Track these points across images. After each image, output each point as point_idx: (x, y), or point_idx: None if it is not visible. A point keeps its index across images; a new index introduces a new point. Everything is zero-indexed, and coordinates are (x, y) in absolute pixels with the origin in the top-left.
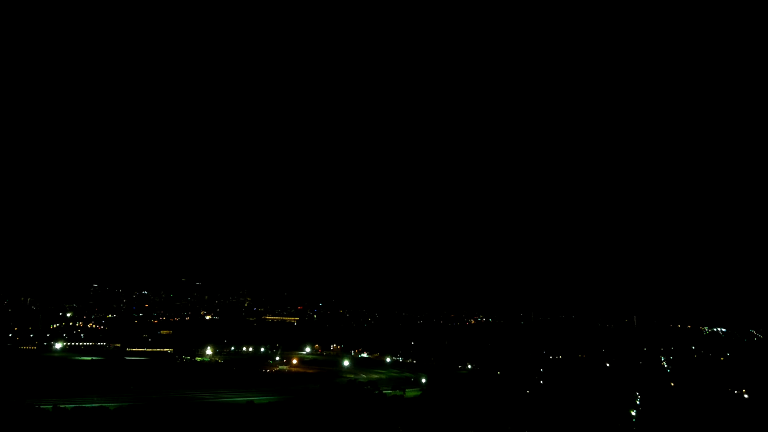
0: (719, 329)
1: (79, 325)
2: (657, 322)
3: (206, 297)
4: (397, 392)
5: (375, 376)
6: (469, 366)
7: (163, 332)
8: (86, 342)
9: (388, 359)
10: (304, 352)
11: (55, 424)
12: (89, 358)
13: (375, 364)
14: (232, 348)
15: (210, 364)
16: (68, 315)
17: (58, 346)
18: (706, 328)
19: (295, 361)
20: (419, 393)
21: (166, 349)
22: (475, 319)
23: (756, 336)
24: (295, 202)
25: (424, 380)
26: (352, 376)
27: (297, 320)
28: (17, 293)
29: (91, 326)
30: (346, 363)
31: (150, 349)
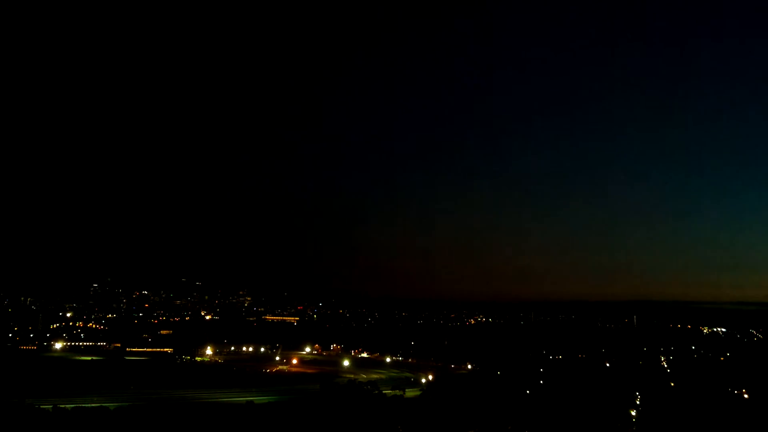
0: (719, 329)
1: (79, 325)
2: (657, 322)
3: (206, 297)
4: (397, 392)
5: (375, 376)
6: (469, 366)
7: (163, 332)
8: (86, 342)
9: (388, 359)
10: (304, 352)
11: (55, 424)
12: (89, 358)
13: (375, 364)
14: (232, 348)
15: (210, 364)
16: (68, 315)
17: (58, 346)
18: (706, 328)
19: (295, 361)
20: (419, 393)
21: (166, 349)
22: (475, 319)
23: (756, 336)
24: (296, 202)
25: (424, 380)
26: (352, 376)
27: (297, 320)
28: (17, 293)
29: (91, 326)
30: (346, 363)
31: (150, 349)
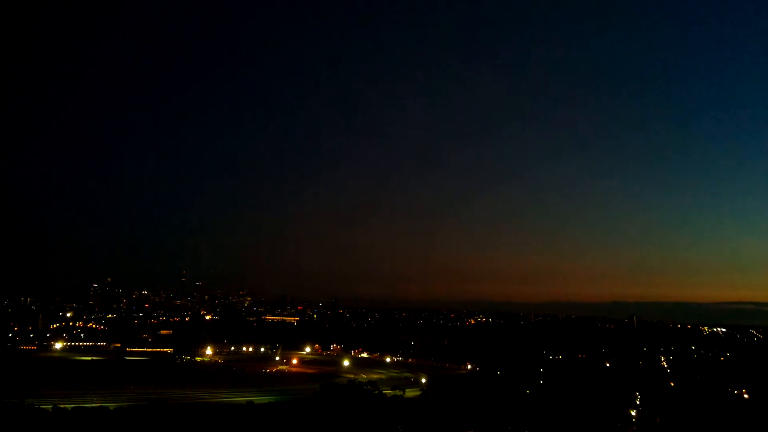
0: (719, 329)
1: (79, 325)
2: (657, 322)
3: (206, 297)
4: (397, 392)
5: (375, 376)
6: (469, 366)
7: (163, 332)
8: (86, 342)
9: (388, 359)
10: (304, 352)
11: (55, 424)
12: (89, 358)
13: (375, 364)
14: (232, 348)
15: (210, 364)
16: (68, 315)
17: (58, 346)
18: (706, 328)
19: (295, 361)
20: (419, 393)
21: (166, 349)
22: (475, 319)
23: (756, 336)
24: (295, 202)
25: (424, 380)
26: (352, 376)
27: (297, 320)
28: (17, 293)
29: (91, 326)
30: (346, 363)
31: (150, 349)
